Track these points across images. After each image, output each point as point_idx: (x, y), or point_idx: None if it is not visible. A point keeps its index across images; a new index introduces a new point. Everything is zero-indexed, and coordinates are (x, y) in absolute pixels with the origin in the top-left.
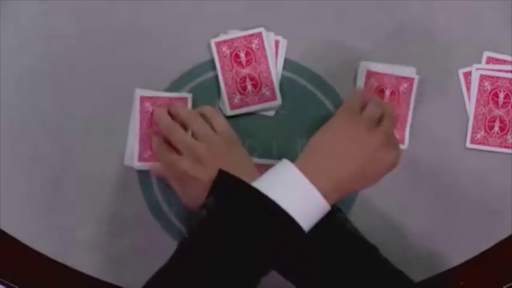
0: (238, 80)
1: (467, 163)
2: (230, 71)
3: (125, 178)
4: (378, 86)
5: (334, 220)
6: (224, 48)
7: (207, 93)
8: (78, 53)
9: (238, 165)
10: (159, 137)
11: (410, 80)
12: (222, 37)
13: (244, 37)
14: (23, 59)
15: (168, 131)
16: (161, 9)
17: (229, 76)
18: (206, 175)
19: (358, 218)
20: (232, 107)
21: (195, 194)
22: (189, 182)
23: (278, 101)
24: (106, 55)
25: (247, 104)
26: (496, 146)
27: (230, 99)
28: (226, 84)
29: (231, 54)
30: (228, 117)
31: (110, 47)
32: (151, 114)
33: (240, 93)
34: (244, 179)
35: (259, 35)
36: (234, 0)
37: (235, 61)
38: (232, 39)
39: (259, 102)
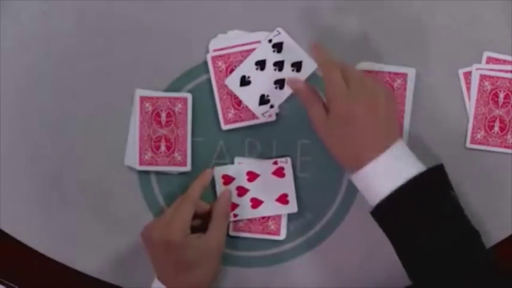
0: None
1: (467, 163)
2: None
3: (125, 178)
4: None
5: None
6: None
7: (206, 93)
8: (78, 53)
9: None
10: None
11: (403, 76)
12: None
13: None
14: (23, 59)
15: None
16: (161, 9)
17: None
18: None
19: (357, 217)
20: (226, 122)
21: None
22: None
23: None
24: (106, 55)
25: (241, 120)
26: (496, 146)
27: (224, 114)
28: (221, 99)
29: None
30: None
31: (109, 47)
32: (151, 114)
33: (235, 108)
34: None
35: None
36: (233, 1)
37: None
38: (157, 98)
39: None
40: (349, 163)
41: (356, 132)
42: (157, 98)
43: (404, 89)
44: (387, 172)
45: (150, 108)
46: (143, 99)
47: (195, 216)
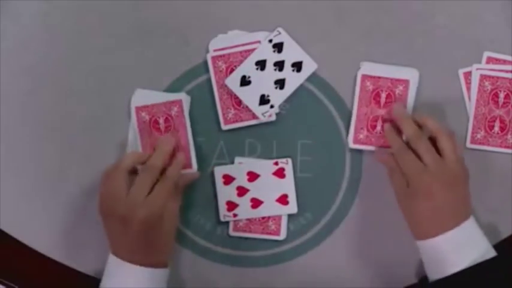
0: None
1: (467, 163)
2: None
3: None
4: (373, 89)
5: None
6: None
7: (206, 93)
8: (78, 53)
9: None
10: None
11: (405, 82)
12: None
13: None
14: (23, 59)
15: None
16: (161, 10)
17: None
18: None
19: (357, 217)
20: (226, 122)
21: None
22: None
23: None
24: (106, 55)
25: (241, 120)
26: (496, 146)
27: (224, 114)
28: (221, 99)
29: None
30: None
31: (109, 47)
32: (150, 122)
33: (235, 108)
34: None
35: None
36: (234, 1)
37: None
38: (152, 106)
39: None
40: (421, 235)
41: (434, 208)
42: (153, 105)
43: (406, 96)
44: (455, 249)
45: (147, 117)
46: (139, 109)
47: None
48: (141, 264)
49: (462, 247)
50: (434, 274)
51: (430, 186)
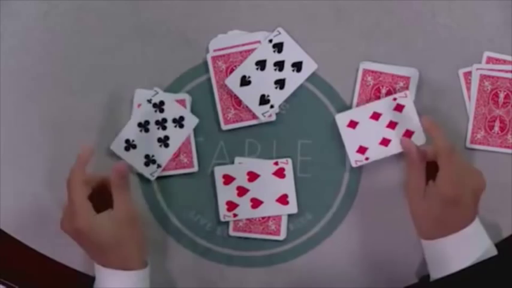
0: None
1: None
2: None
3: None
4: (374, 85)
5: None
6: (220, 62)
7: (206, 93)
8: (78, 53)
9: None
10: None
11: (406, 79)
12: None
13: None
14: (23, 59)
15: None
16: (161, 10)
17: None
18: None
19: (357, 217)
20: (226, 122)
21: None
22: None
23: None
24: (106, 55)
25: (241, 120)
26: (496, 146)
27: (224, 114)
28: (221, 99)
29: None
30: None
31: (109, 47)
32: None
33: (235, 108)
34: None
35: None
36: (234, 1)
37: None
38: None
39: None
40: (428, 235)
41: (455, 213)
42: None
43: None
44: (460, 249)
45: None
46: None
47: (100, 190)
48: (112, 268)
49: (467, 247)
50: (437, 273)
51: (461, 195)
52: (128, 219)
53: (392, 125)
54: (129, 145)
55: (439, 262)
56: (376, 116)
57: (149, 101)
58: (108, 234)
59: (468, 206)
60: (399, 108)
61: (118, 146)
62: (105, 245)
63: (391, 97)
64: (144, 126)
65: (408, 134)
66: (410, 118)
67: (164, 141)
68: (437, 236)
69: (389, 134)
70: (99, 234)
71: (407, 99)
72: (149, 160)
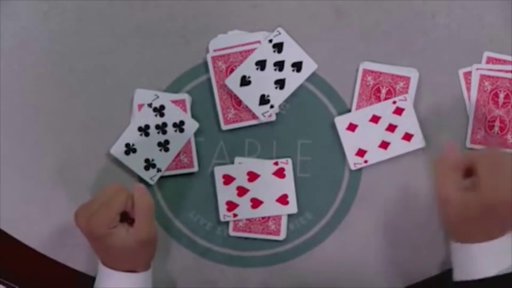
0: None
1: None
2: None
3: (125, 179)
4: (374, 85)
5: None
6: (220, 63)
7: (206, 93)
8: (78, 53)
9: None
10: None
11: (406, 79)
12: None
13: None
14: (23, 59)
15: None
16: (161, 10)
17: None
18: None
19: (357, 216)
20: (226, 122)
21: None
22: None
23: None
24: (106, 55)
25: (241, 120)
26: (496, 146)
27: (224, 114)
28: (221, 99)
29: None
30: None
31: (109, 47)
32: None
33: (235, 108)
34: None
35: None
36: (234, 1)
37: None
38: None
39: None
40: (463, 238)
41: (496, 219)
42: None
43: (407, 93)
44: (491, 256)
45: None
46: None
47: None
48: (119, 270)
49: (497, 255)
50: (462, 275)
51: (499, 199)
52: (148, 240)
53: (391, 128)
54: (129, 149)
55: (465, 264)
56: (375, 119)
57: (149, 105)
58: (123, 245)
59: (507, 211)
60: (398, 111)
61: (118, 150)
62: (118, 254)
63: (390, 100)
64: (144, 130)
65: (407, 137)
66: (410, 121)
67: (164, 146)
68: (475, 240)
69: (388, 137)
70: (114, 245)
71: (406, 102)
72: (149, 164)
